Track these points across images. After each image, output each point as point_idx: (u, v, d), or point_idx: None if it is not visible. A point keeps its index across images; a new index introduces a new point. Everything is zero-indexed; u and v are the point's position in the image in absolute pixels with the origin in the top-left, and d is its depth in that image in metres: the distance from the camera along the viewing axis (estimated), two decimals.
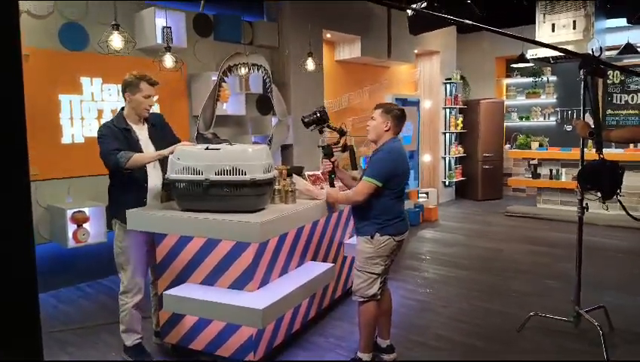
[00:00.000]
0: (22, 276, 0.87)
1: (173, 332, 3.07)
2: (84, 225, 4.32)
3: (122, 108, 3.04)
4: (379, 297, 2.91)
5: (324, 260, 3.63)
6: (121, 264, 3.01)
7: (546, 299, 4.12)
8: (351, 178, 3.25)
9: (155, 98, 3.05)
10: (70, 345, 3.36)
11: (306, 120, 3.22)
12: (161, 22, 4.69)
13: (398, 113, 2.92)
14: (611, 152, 6.48)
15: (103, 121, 4.68)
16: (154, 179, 3.02)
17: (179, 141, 3.08)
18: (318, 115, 3.19)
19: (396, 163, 2.85)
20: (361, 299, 2.89)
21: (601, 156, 3.10)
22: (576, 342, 3.32)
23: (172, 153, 2.82)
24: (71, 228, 4.25)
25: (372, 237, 2.84)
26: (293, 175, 3.40)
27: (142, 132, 3.03)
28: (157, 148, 2.99)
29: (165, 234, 2.97)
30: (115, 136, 2.88)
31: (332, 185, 3.18)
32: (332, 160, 3.15)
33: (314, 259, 3.51)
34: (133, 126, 2.99)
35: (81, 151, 4.55)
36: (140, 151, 2.94)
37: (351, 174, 3.35)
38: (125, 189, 2.95)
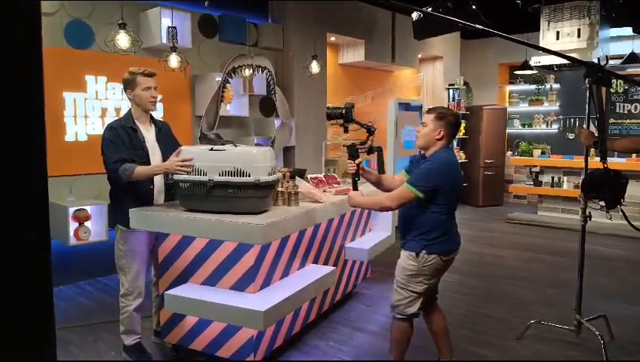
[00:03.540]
0: (39, 271, 0.88)
1: (173, 332, 3.07)
2: (86, 223, 4.32)
3: (129, 109, 3.03)
4: (418, 316, 2.75)
5: (326, 263, 3.63)
6: (122, 267, 3.00)
7: (546, 307, 4.11)
8: (378, 180, 2.99)
9: (157, 90, 3.01)
10: (70, 343, 3.35)
11: (329, 112, 3.06)
12: (166, 22, 4.71)
13: (452, 120, 2.68)
14: (613, 161, 6.48)
15: (106, 120, 4.72)
16: (159, 179, 3.01)
17: None
18: (343, 111, 2.99)
19: (446, 176, 2.60)
20: (400, 316, 2.73)
21: (605, 165, 3.10)
22: (576, 351, 3.31)
23: (173, 163, 2.77)
24: (72, 226, 4.25)
25: (417, 255, 2.64)
26: (296, 177, 3.40)
27: (149, 133, 3.02)
28: (163, 152, 2.98)
29: (168, 234, 2.97)
30: (120, 138, 2.84)
31: (355, 188, 2.90)
32: (357, 161, 2.88)
33: (315, 262, 3.50)
34: (140, 126, 2.98)
35: (84, 149, 4.56)
36: (146, 152, 2.93)
37: (379, 177, 3.04)
38: (127, 193, 2.91)
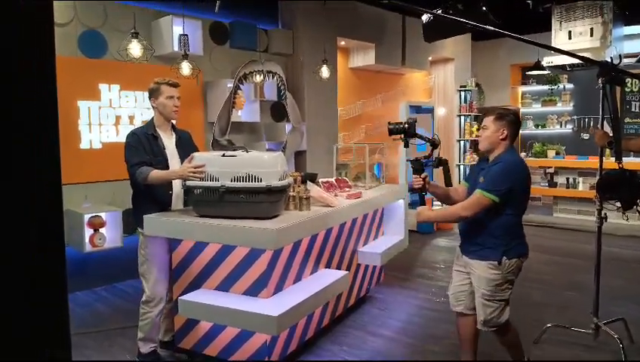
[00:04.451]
0: (53, 277, 0.89)
1: (187, 337, 3.08)
2: (101, 230, 4.37)
3: (152, 117, 3.11)
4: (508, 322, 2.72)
5: (338, 268, 3.62)
6: (144, 273, 3.03)
7: (564, 309, 4.05)
8: (446, 193, 2.91)
9: (179, 100, 3.09)
10: (85, 348, 3.39)
11: (390, 127, 2.95)
12: (178, 30, 4.76)
13: (513, 118, 2.62)
14: (629, 161, 6.37)
15: (120, 128, 4.78)
16: (177, 185, 3.05)
17: None
18: (406, 126, 2.90)
19: (518, 177, 2.56)
20: (494, 329, 2.67)
21: (621, 166, 3.05)
22: (594, 355, 3.25)
23: (186, 169, 2.81)
24: (88, 232, 4.30)
25: (499, 263, 2.54)
26: (308, 182, 3.40)
27: (169, 141, 3.09)
28: (182, 160, 3.02)
29: (181, 240, 2.99)
30: (141, 143, 2.93)
31: (423, 203, 2.82)
32: (422, 176, 2.81)
33: (328, 266, 3.50)
34: (161, 134, 3.05)
35: (98, 156, 4.62)
36: (165, 158, 3.00)
37: (446, 190, 2.95)
38: (147, 198, 2.98)
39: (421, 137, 2.95)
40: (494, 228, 2.55)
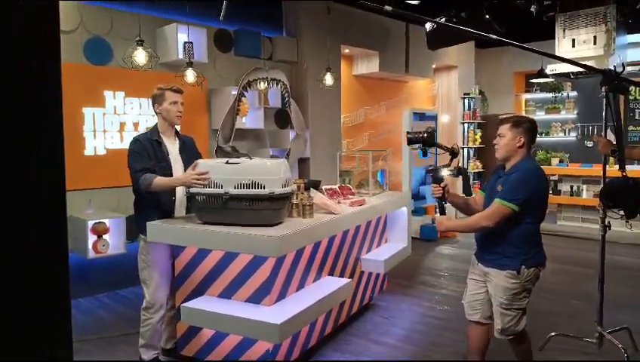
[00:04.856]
0: (53, 277, 0.89)
1: (190, 344, 3.08)
2: (104, 236, 4.38)
3: (156, 123, 3.13)
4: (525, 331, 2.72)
5: (341, 275, 3.62)
6: (145, 278, 3.03)
7: (568, 318, 4.03)
8: (466, 203, 2.91)
9: (183, 105, 3.11)
10: (88, 355, 3.39)
11: (409, 136, 2.93)
12: (182, 37, 4.79)
13: (529, 125, 2.62)
14: (632, 169, 6.35)
15: (124, 134, 4.81)
16: (180, 192, 3.06)
17: None
18: (425, 135, 2.88)
19: (537, 185, 2.57)
20: (511, 337, 2.67)
21: (624, 174, 3.04)
22: None
23: (190, 176, 2.82)
24: (91, 238, 4.32)
25: (518, 272, 2.54)
26: (311, 189, 3.41)
27: (173, 146, 3.10)
28: (185, 165, 3.04)
29: (184, 247, 2.99)
30: (145, 150, 2.94)
31: (442, 212, 2.83)
32: (442, 185, 2.80)
33: (331, 273, 3.49)
34: (165, 139, 3.06)
35: (102, 163, 4.65)
36: (169, 164, 3.01)
37: (466, 200, 2.95)
38: (150, 204, 2.98)
39: (440, 146, 2.96)
40: (513, 236, 2.55)
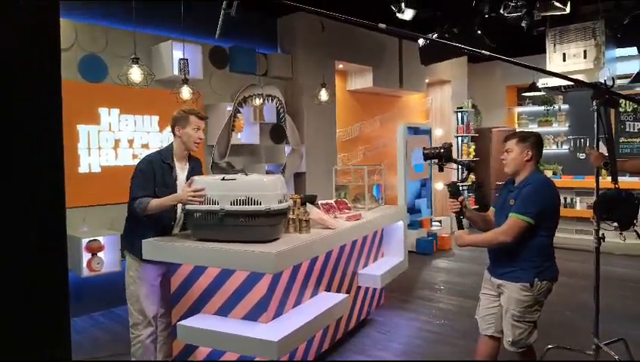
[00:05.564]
0: (53, 277, 0.89)
1: None
2: (99, 254, 4.35)
3: (171, 144, 3.04)
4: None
5: (338, 290, 3.61)
6: (131, 295, 2.99)
7: (565, 330, 4.02)
8: (483, 218, 2.95)
9: (204, 131, 3.05)
10: None
11: (426, 152, 2.98)
12: (178, 54, 4.83)
13: (535, 139, 2.70)
14: (624, 181, 6.41)
15: (119, 151, 4.80)
16: (180, 213, 3.01)
17: None
18: (442, 151, 2.91)
19: (549, 197, 2.63)
20: (521, 350, 2.67)
21: (617, 186, 3.07)
22: None
23: (186, 194, 2.79)
24: (85, 256, 4.29)
25: (532, 285, 2.57)
26: (307, 204, 3.41)
27: (182, 172, 3.04)
28: None
29: (180, 264, 2.98)
30: (153, 173, 2.86)
31: (460, 226, 2.85)
32: (459, 199, 2.84)
33: (328, 289, 3.48)
34: (177, 164, 3.00)
35: (97, 180, 4.64)
36: (175, 190, 2.93)
37: (483, 215, 2.99)
38: (146, 225, 2.92)
39: (456, 162, 3.01)
40: (527, 249, 2.58)
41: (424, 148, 3.02)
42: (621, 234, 3.12)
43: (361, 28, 6.84)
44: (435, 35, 5.25)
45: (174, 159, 2.99)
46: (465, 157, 8.90)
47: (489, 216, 2.93)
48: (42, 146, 0.89)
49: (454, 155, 9.33)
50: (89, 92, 4.62)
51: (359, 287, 3.99)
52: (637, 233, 3.15)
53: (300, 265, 3.12)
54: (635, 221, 3.06)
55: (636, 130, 8.38)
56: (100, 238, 4.37)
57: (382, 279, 3.90)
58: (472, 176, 8.80)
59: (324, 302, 3.18)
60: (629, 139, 8.42)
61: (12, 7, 0.84)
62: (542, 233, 2.59)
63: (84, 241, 4.27)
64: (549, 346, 3.43)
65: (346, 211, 3.90)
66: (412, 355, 3.66)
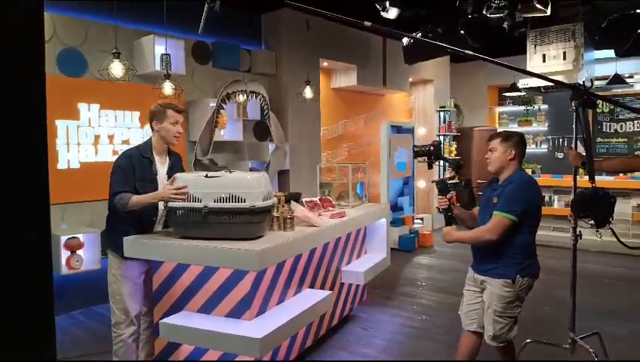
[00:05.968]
0: (39, 271, 0.89)
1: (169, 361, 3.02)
2: (78, 252, 4.28)
3: (149, 139, 3.01)
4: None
5: (322, 287, 3.62)
6: (114, 293, 2.94)
7: (542, 325, 4.11)
8: (470, 216, 2.99)
9: (182, 126, 3.01)
10: None
11: (416, 150, 3.03)
12: (160, 49, 4.76)
13: (518, 139, 2.76)
14: (600, 180, 6.56)
15: (99, 147, 4.73)
16: (162, 210, 2.97)
17: None
18: (431, 148, 2.98)
19: (532, 195, 2.70)
20: (502, 344, 2.74)
21: (594, 185, 3.15)
22: None
23: (168, 191, 2.75)
24: (64, 254, 4.21)
25: (514, 281, 2.63)
26: (292, 201, 3.41)
27: (162, 166, 3.00)
28: None
29: (162, 262, 2.95)
30: (132, 168, 2.83)
31: (449, 223, 2.89)
32: (448, 196, 2.90)
33: (312, 286, 3.49)
34: (157, 158, 2.97)
35: (76, 176, 4.55)
36: (156, 185, 2.90)
37: (471, 213, 3.03)
38: (127, 222, 2.88)
39: (446, 159, 3.09)
40: (510, 246, 2.64)
41: (414, 145, 3.08)
42: (597, 231, 3.20)
43: (345, 26, 6.86)
44: (419, 34, 5.29)
45: (154, 153, 2.96)
46: (447, 156, 9.00)
47: (475, 214, 2.98)
48: (26, 143, 0.88)
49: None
50: (68, 86, 4.53)
51: (343, 284, 4.01)
52: (612, 231, 3.24)
53: (284, 263, 3.12)
54: (610, 219, 3.14)
55: (612, 131, 8.59)
56: (80, 236, 4.30)
57: (365, 276, 3.93)
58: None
59: (308, 298, 3.19)
60: (605, 139, 8.62)
61: (12, 8, 0.83)
62: (525, 230, 2.65)
63: (63, 239, 4.20)
64: (528, 340, 3.50)
65: (330, 209, 3.92)
66: (395, 351, 3.70)
